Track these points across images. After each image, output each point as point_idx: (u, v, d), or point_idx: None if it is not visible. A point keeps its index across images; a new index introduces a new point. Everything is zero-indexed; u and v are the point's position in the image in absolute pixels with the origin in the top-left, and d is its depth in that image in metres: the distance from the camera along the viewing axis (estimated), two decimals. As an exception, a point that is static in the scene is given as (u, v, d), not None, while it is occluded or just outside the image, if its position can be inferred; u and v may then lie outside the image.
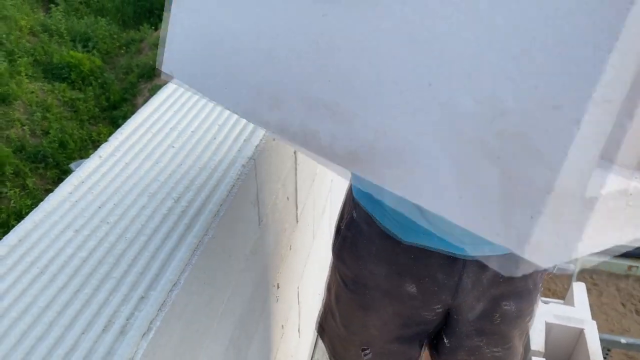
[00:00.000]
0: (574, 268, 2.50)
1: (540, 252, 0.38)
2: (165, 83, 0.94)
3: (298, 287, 1.43)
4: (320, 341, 1.23)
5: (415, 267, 0.85)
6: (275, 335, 1.23)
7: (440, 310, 0.90)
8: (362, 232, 0.89)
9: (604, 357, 2.30)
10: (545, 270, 0.86)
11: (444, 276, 0.84)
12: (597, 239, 0.43)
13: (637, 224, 0.46)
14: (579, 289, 2.10)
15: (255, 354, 1.07)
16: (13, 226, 0.70)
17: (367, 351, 0.98)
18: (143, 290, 0.63)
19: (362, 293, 0.92)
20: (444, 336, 0.94)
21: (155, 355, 0.60)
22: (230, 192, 0.79)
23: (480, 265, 0.83)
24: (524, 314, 0.91)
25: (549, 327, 1.89)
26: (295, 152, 1.17)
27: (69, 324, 0.60)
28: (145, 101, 1.11)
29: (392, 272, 0.87)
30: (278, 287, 1.21)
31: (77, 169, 0.81)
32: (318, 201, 1.51)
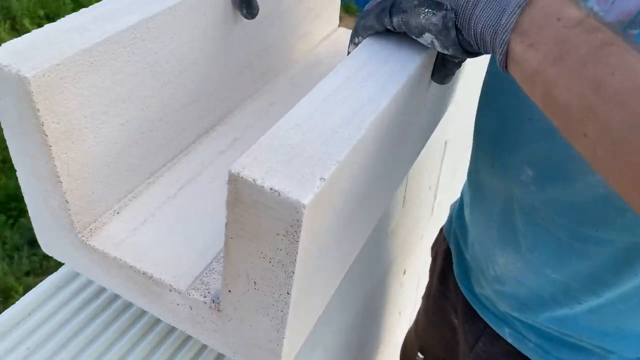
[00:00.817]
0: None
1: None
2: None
3: (419, 278, 1.39)
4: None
5: (457, 302, 0.83)
6: (392, 321, 1.22)
7: None
8: (441, 242, 0.92)
9: None
10: None
11: (467, 330, 0.81)
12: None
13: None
14: None
15: (369, 336, 1.09)
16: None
17: (422, 357, 1.00)
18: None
19: (427, 299, 0.95)
20: None
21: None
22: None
23: (498, 347, 0.76)
24: None
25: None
26: (445, 143, 1.12)
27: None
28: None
29: (444, 296, 0.88)
30: (404, 274, 1.20)
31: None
32: (453, 198, 1.41)
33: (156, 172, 0.57)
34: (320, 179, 0.34)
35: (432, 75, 0.56)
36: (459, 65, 0.54)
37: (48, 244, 0.53)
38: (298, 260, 0.36)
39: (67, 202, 0.47)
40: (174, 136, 0.57)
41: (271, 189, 0.33)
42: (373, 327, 1.10)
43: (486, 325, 0.77)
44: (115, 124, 0.49)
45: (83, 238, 0.49)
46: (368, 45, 0.49)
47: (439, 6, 0.44)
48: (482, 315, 0.78)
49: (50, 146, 0.43)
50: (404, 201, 1.07)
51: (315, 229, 0.37)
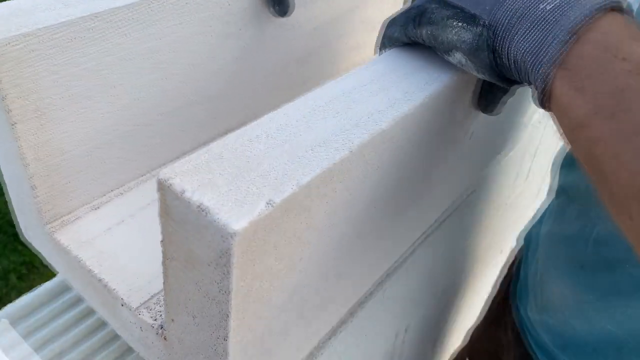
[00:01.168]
0: None
1: None
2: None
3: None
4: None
5: (512, 319, 0.74)
6: (478, 302, 1.14)
7: None
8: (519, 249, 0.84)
9: None
10: None
11: (514, 352, 0.72)
12: None
13: None
14: None
15: (454, 316, 1.04)
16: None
17: None
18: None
19: (490, 306, 0.87)
20: None
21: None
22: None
23: None
24: None
25: None
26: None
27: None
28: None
29: (504, 308, 0.79)
30: (501, 253, 1.13)
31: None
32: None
33: (153, 170, 0.52)
34: (268, 202, 0.27)
35: (477, 101, 0.47)
36: (510, 92, 0.45)
37: (24, 229, 0.50)
38: (233, 300, 0.29)
39: (34, 189, 0.42)
40: (179, 134, 0.52)
41: (199, 206, 0.27)
42: (457, 307, 1.04)
43: (530, 354, 0.68)
44: (102, 111, 0.44)
45: (51, 229, 0.45)
46: (391, 55, 0.41)
47: (473, 21, 0.36)
48: (528, 341, 0.68)
49: (14, 124, 0.39)
50: (528, 173, 0.98)
51: (265, 265, 0.30)
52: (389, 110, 0.35)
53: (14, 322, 0.53)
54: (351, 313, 0.51)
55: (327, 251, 0.36)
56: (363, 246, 0.42)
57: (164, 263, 0.32)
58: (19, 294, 1.35)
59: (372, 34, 0.73)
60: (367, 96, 0.36)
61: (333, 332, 0.49)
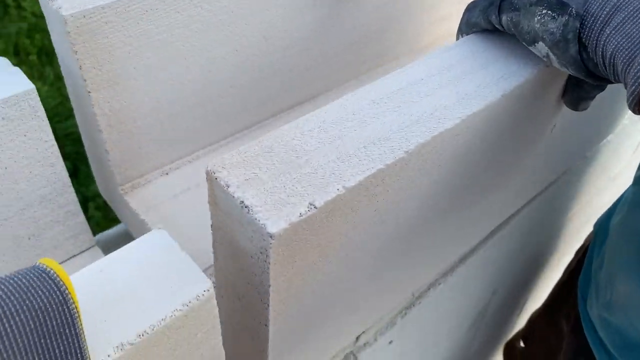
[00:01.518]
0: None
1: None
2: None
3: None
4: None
5: (574, 309, 0.71)
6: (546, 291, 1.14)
7: None
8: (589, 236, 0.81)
9: None
10: None
11: (571, 344, 0.71)
12: None
13: None
14: None
15: (536, 290, 1.05)
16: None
17: (522, 346, 0.93)
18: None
19: (553, 292, 0.85)
20: None
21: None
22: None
23: None
24: None
25: None
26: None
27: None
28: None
29: (566, 297, 0.77)
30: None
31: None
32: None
33: (222, 140, 0.53)
34: (310, 204, 0.27)
35: (562, 95, 0.43)
36: (600, 87, 0.41)
37: (100, 188, 0.53)
38: (272, 293, 0.29)
39: (107, 153, 0.45)
40: (250, 106, 0.53)
41: (242, 202, 0.27)
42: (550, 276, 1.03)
43: (588, 348, 0.65)
44: (174, 82, 0.45)
45: (122, 191, 0.47)
46: (468, 42, 0.38)
47: (561, 9, 0.32)
48: (588, 337, 0.64)
49: (90, 92, 0.40)
50: (638, 146, 0.93)
51: (307, 261, 0.30)
52: (455, 106, 0.33)
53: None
54: (434, 281, 0.50)
55: (376, 245, 0.35)
56: (423, 235, 0.40)
57: (214, 245, 0.33)
58: (96, 224, 1.44)
59: (458, 4, 0.68)
60: (434, 89, 0.34)
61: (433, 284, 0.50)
